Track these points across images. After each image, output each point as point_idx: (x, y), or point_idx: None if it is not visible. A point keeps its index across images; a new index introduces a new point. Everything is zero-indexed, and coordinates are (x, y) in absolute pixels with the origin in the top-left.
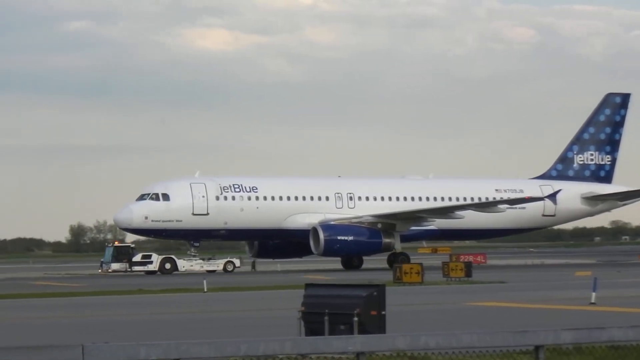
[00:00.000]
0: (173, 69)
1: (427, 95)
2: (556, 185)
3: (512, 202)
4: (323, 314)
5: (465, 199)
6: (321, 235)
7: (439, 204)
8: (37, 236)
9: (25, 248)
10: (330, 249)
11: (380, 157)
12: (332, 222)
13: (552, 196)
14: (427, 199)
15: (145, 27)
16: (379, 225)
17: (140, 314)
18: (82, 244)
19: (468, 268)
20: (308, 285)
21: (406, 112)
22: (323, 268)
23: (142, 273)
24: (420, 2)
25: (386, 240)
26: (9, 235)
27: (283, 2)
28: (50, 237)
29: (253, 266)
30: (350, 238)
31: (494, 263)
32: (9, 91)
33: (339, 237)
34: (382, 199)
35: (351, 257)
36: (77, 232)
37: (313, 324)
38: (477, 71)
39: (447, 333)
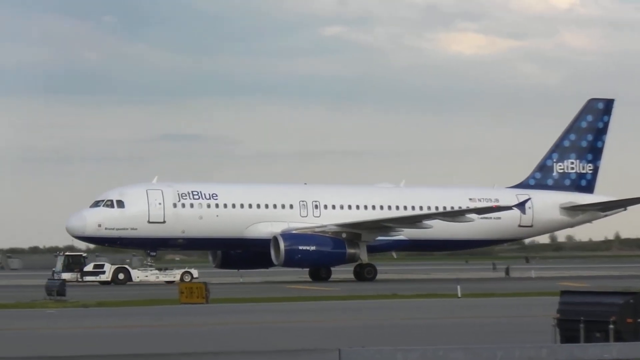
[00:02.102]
0: (427, 73)
1: None
2: (533, 194)
3: (480, 211)
4: (578, 321)
5: (437, 208)
6: (281, 245)
7: (408, 212)
8: None
9: None
10: (291, 260)
11: None
12: (294, 232)
13: (521, 205)
14: (397, 207)
15: (400, 32)
16: (344, 235)
17: (392, 318)
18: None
19: None
20: (564, 293)
21: None
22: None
23: (96, 283)
24: None
25: (350, 250)
26: None
27: (540, 6)
28: None
29: (507, 272)
30: (313, 248)
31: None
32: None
33: (300, 247)
34: (350, 207)
35: (314, 268)
36: None
37: (568, 331)
38: None
39: None
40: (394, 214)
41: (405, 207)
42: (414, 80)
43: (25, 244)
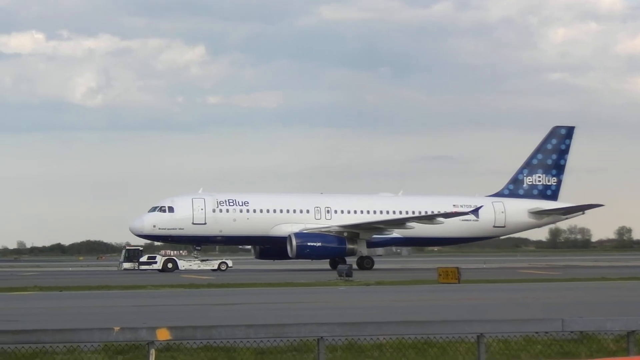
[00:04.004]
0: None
1: None
2: (506, 202)
3: (445, 215)
4: None
5: (426, 212)
6: (294, 242)
7: (397, 216)
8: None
9: (513, 245)
10: (302, 253)
11: None
12: (305, 231)
13: (475, 211)
14: (394, 212)
15: (607, 77)
16: (345, 234)
17: (595, 296)
18: (558, 242)
19: None
20: None
21: None
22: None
23: (149, 271)
24: None
25: (350, 246)
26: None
27: None
28: (534, 236)
29: None
30: (319, 244)
31: None
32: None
33: (309, 243)
34: (355, 212)
35: (321, 259)
36: (555, 232)
37: None
38: None
39: None
40: (390, 217)
41: (400, 212)
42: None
43: None
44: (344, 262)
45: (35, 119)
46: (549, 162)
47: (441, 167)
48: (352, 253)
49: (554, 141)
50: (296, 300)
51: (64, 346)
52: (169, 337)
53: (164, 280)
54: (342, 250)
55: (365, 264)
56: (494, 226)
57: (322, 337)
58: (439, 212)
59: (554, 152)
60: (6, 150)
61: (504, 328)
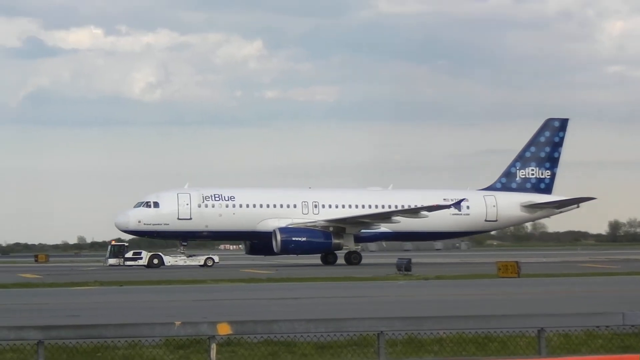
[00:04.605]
0: None
1: None
2: (498, 195)
3: (428, 209)
4: None
5: (416, 206)
6: (278, 237)
7: (380, 210)
8: (582, 229)
9: (573, 238)
10: (286, 248)
11: None
12: (289, 226)
13: (457, 204)
14: (382, 206)
15: None
16: (331, 229)
17: None
18: (618, 235)
19: None
20: None
21: None
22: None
23: (136, 267)
24: None
25: (335, 240)
26: (561, 228)
27: None
28: (594, 230)
29: None
30: (304, 239)
31: None
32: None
33: (293, 238)
34: (343, 206)
35: (306, 254)
36: (614, 226)
37: None
38: None
39: None
40: (373, 211)
41: (389, 206)
42: None
43: None
44: (334, 256)
45: (93, 114)
46: (542, 155)
47: (500, 160)
48: (338, 248)
49: (547, 134)
50: (355, 295)
51: (125, 341)
52: (229, 332)
53: (222, 275)
54: (327, 245)
55: (353, 259)
56: (486, 220)
57: (381, 332)
58: (422, 205)
59: (548, 144)
60: (65, 144)
61: (564, 322)
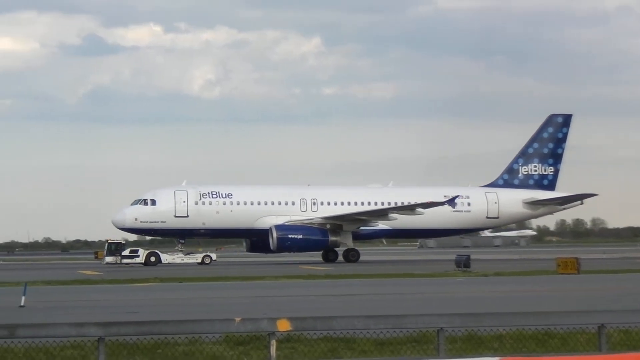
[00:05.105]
0: None
1: None
2: (500, 192)
3: (422, 205)
4: None
5: (409, 203)
6: (274, 234)
7: (376, 207)
8: None
9: (633, 234)
10: (282, 246)
11: None
12: (286, 223)
13: (451, 201)
14: (383, 203)
15: None
16: (328, 226)
17: None
18: None
19: None
20: None
21: None
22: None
23: (131, 265)
24: None
25: (332, 238)
26: (621, 224)
27: None
28: None
29: None
30: (300, 236)
31: None
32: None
33: (289, 236)
34: (342, 203)
35: (302, 252)
36: None
37: None
38: None
39: None
40: (369, 208)
41: (389, 203)
42: None
43: None
44: (335, 254)
45: (152, 111)
46: (545, 151)
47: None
48: (335, 245)
49: (550, 129)
50: (414, 291)
51: (186, 337)
52: (289, 328)
53: (281, 272)
54: (324, 243)
55: (351, 256)
56: (487, 217)
57: (441, 328)
58: (415, 202)
59: (551, 140)
60: (125, 141)
61: (625, 318)
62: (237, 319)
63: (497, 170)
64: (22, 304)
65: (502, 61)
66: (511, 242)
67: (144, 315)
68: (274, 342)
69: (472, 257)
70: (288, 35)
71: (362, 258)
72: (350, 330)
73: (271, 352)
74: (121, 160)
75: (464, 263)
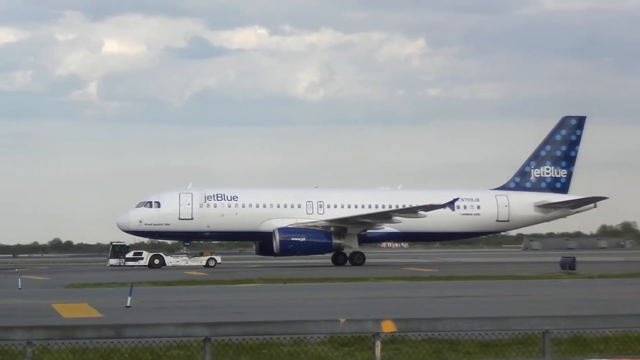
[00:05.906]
0: None
1: None
2: (511, 195)
3: (423, 208)
4: None
5: (410, 205)
6: (277, 237)
7: (379, 210)
8: None
9: None
10: (285, 249)
11: None
12: (289, 226)
13: (451, 204)
14: (390, 206)
15: None
16: (332, 229)
17: None
18: None
19: None
20: None
21: None
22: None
23: (138, 267)
24: None
25: (336, 241)
26: None
27: None
28: None
29: None
30: (303, 239)
31: None
32: None
33: (292, 238)
34: (349, 206)
35: (306, 255)
36: None
37: None
38: None
39: None
40: (372, 211)
41: (397, 206)
42: None
43: None
44: (344, 257)
45: (258, 113)
46: (558, 153)
47: None
48: (339, 248)
49: (563, 132)
50: (519, 294)
51: (291, 338)
52: (393, 329)
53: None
54: (328, 246)
55: (356, 259)
56: (497, 220)
57: (547, 331)
58: (417, 205)
59: (564, 143)
60: (231, 144)
61: None
62: (342, 320)
63: (610, 172)
64: (128, 304)
65: (609, 62)
66: (617, 244)
67: (249, 315)
68: (378, 343)
69: (577, 259)
70: (393, 37)
71: (460, 260)
72: (455, 332)
73: (376, 353)
74: (227, 162)
75: (569, 265)
